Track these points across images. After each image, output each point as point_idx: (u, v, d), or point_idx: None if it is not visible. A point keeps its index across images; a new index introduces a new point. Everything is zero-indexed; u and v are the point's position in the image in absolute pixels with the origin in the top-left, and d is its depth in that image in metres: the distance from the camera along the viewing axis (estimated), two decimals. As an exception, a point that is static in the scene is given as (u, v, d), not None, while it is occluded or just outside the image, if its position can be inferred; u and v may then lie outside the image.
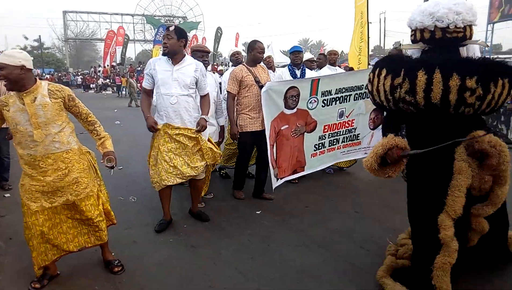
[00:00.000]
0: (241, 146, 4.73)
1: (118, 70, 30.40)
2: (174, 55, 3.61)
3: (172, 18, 47.99)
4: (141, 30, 47.14)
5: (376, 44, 46.17)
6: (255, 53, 4.53)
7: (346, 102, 5.14)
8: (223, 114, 4.88)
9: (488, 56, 13.36)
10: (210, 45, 47.59)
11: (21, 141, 2.67)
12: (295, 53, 5.40)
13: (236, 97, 4.55)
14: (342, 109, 5.18)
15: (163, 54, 3.65)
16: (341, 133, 5.34)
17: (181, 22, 48.35)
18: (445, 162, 2.48)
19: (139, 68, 28.67)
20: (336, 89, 4.98)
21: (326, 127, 5.14)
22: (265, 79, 4.59)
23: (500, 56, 20.05)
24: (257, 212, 4.41)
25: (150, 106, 3.81)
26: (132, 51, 54.72)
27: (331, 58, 6.00)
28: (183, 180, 3.76)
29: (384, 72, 2.54)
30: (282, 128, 4.68)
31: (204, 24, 46.44)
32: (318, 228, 3.95)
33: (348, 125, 5.37)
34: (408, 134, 2.72)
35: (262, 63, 4.79)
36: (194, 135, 3.65)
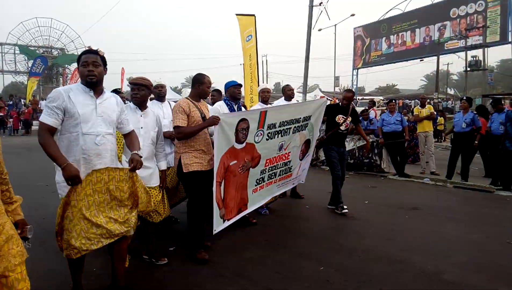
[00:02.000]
0: (189, 189, 4.05)
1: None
2: (97, 86, 2.93)
3: (50, 50, 44.84)
4: (11, 60, 42.94)
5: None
6: (203, 88, 4.08)
7: (287, 134, 5.00)
8: (165, 157, 4.08)
9: (355, 96, 14.87)
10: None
11: None
12: (236, 86, 4.95)
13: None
14: (282, 142, 4.99)
15: (88, 85, 2.90)
16: (278, 166, 5.16)
17: (59, 54, 45.41)
18: None
19: (10, 102, 25.88)
20: (280, 122, 4.77)
21: (268, 161, 4.85)
22: (208, 115, 4.10)
23: (364, 97, 22.85)
24: (170, 249, 4.28)
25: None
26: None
27: (264, 96, 5.84)
28: (111, 240, 2.89)
29: None
30: (230, 164, 4.21)
31: (86, 57, 44.14)
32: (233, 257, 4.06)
33: (285, 158, 5.22)
34: None
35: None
36: (127, 176, 2.90)
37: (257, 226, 5.12)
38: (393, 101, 10.45)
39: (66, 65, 44.85)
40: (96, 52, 2.91)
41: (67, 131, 2.84)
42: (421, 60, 37.53)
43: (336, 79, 41.74)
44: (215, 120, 3.82)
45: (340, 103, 6.24)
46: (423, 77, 71.15)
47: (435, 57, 34.00)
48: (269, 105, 5.69)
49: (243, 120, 4.20)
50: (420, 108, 10.01)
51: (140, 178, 3.05)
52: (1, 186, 2.21)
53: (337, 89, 41.37)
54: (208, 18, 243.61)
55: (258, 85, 9.03)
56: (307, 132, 5.41)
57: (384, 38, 38.86)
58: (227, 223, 4.31)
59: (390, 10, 38.32)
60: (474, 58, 30.42)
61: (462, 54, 31.14)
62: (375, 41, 39.75)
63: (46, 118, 2.76)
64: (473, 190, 7.81)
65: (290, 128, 5.00)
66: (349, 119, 6.02)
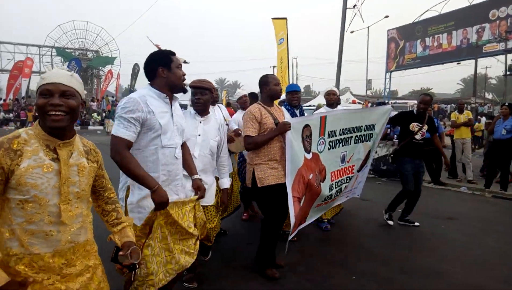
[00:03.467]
0: (265, 205, 3.70)
1: (23, 103, 28.31)
2: (174, 91, 2.59)
3: (85, 52, 46.28)
4: (48, 62, 44.60)
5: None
6: (271, 87, 3.73)
7: (348, 144, 4.43)
8: (228, 173, 3.67)
9: (387, 101, 14.78)
10: (126, 81, 46.75)
11: (32, 219, 1.59)
12: (292, 93, 4.79)
13: None
14: (344, 153, 4.43)
15: (176, 91, 2.59)
16: (343, 181, 4.53)
17: (95, 56, 46.82)
18: None
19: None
20: (340, 130, 4.27)
21: (332, 174, 4.31)
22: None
23: (397, 101, 22.39)
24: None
25: None
26: (35, 84, 51.43)
27: (329, 99, 5.30)
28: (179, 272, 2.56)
29: None
30: (310, 177, 3.76)
31: (120, 59, 45.44)
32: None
33: (349, 172, 4.59)
34: None
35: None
36: (192, 206, 2.58)
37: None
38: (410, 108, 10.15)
39: (100, 67, 46.22)
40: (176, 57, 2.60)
41: (142, 146, 2.44)
42: (458, 63, 36.36)
43: (368, 82, 41.07)
44: (286, 126, 3.52)
45: (414, 110, 5.68)
46: (460, 81, 69.13)
47: (473, 60, 32.89)
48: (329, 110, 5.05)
49: (306, 126, 3.80)
50: (457, 113, 9.68)
51: (201, 207, 2.72)
52: (106, 206, 1.97)
53: (369, 92, 40.73)
54: (237, 21, 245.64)
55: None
56: (371, 143, 4.76)
57: (419, 41, 37.91)
58: (290, 237, 3.85)
59: (426, 11, 37.40)
60: (515, 62, 29.19)
61: (502, 57, 29.97)
62: (410, 43, 38.83)
63: (124, 132, 2.32)
64: (514, 200, 7.48)
65: (351, 137, 4.47)
66: (425, 127, 5.42)
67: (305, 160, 3.72)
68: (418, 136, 5.38)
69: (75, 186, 1.69)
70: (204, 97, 3.35)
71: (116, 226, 1.95)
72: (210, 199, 3.44)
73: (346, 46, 14.99)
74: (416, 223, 5.48)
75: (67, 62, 35.86)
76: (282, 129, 3.53)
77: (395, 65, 40.59)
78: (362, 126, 4.56)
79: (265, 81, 3.77)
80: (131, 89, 31.58)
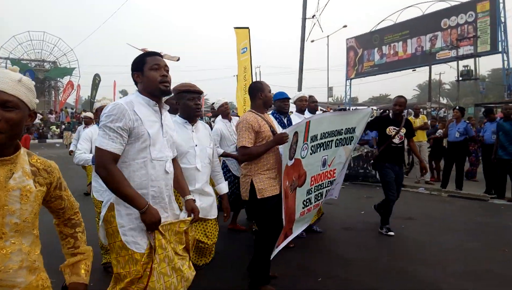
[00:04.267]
0: (262, 219, 3.48)
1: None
2: (154, 95, 2.28)
3: (42, 63, 44.75)
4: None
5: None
6: (266, 94, 3.57)
7: (329, 148, 4.32)
8: (223, 178, 3.63)
9: (348, 107, 15.18)
10: (87, 92, 45.39)
11: None
12: (284, 100, 4.67)
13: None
14: (325, 157, 4.31)
15: (159, 94, 2.25)
16: (324, 186, 4.42)
17: (52, 68, 45.36)
18: None
19: None
20: (321, 134, 4.12)
21: (313, 179, 4.21)
22: (276, 128, 3.65)
23: (357, 107, 23.02)
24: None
25: None
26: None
27: (301, 105, 5.26)
28: None
29: None
30: (286, 185, 3.59)
31: (79, 70, 44.25)
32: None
33: (330, 176, 4.48)
34: None
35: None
36: (185, 228, 2.30)
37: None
38: (387, 111, 10.53)
39: (59, 78, 44.84)
40: (161, 56, 2.34)
41: (129, 158, 2.15)
42: (413, 70, 37.93)
43: (330, 89, 41.98)
44: (284, 139, 3.30)
45: (390, 113, 5.51)
46: (416, 87, 71.85)
47: (427, 67, 34.42)
48: (310, 115, 4.89)
49: (295, 134, 3.63)
50: (413, 118, 10.10)
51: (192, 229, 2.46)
52: (65, 229, 1.67)
53: (330, 100, 41.61)
54: (200, 30, 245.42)
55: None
56: (352, 147, 4.62)
57: (376, 49, 39.31)
58: (277, 250, 3.64)
59: (382, 21, 38.87)
60: (466, 68, 30.81)
61: (454, 64, 31.55)
62: (368, 51, 40.18)
63: (110, 143, 2.05)
64: (468, 199, 7.87)
65: (332, 140, 4.34)
66: (403, 130, 5.29)
67: (285, 168, 3.51)
68: (396, 140, 5.26)
69: (14, 216, 1.32)
70: (200, 101, 3.21)
71: (70, 257, 1.64)
72: (214, 211, 3.35)
73: (308, 55, 15.36)
74: (391, 233, 5.26)
75: (23, 74, 34.48)
76: (279, 141, 3.33)
77: (355, 73, 41.84)
78: (342, 129, 4.43)
79: (259, 88, 3.59)
80: (91, 100, 30.76)
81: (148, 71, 2.21)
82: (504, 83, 29.10)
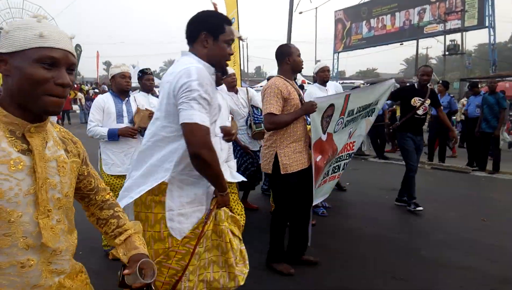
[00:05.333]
0: (282, 195, 3.28)
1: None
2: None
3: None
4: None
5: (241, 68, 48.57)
6: (295, 58, 3.27)
7: (356, 121, 4.10)
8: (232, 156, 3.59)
9: (335, 81, 14.95)
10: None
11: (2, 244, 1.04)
12: (324, 69, 4.84)
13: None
14: (351, 129, 4.07)
15: (222, 71, 2.07)
16: (342, 158, 4.17)
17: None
18: None
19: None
20: (358, 108, 3.92)
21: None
22: (303, 97, 3.40)
23: (345, 81, 23.03)
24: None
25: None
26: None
27: (325, 76, 5.13)
28: None
29: None
30: (317, 159, 3.36)
31: (60, 40, 43.00)
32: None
33: (349, 148, 4.24)
34: None
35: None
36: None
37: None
38: (413, 81, 10.45)
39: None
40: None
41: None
42: (401, 44, 37.82)
43: (317, 63, 41.80)
44: (313, 107, 3.13)
45: (415, 84, 5.37)
46: (403, 61, 71.90)
47: (415, 41, 34.40)
48: (352, 89, 4.66)
49: (331, 105, 3.40)
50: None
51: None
52: (102, 213, 1.40)
53: (318, 73, 41.45)
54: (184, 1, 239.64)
55: (240, 69, 8.94)
56: (373, 118, 4.44)
57: (364, 22, 38.97)
58: (310, 231, 3.55)
59: (371, -7, 38.38)
60: (453, 42, 30.89)
61: (441, 38, 31.58)
62: (356, 24, 39.82)
63: (205, 117, 1.77)
64: (450, 171, 8.06)
65: (361, 114, 4.11)
66: (428, 101, 5.15)
67: (317, 141, 3.33)
68: (420, 111, 5.14)
69: (56, 190, 1.14)
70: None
71: (118, 237, 1.37)
72: (239, 176, 3.18)
73: (296, 27, 15.18)
74: (419, 208, 5.09)
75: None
76: (308, 109, 3.14)
77: (343, 46, 41.54)
78: (372, 102, 4.23)
79: (287, 52, 3.26)
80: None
81: (223, 42, 1.96)
82: (489, 58, 29.31)
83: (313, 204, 3.59)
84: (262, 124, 4.27)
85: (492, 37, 28.79)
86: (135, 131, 3.52)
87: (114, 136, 3.47)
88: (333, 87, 5.37)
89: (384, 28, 37.25)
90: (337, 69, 42.78)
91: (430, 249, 3.91)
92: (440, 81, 9.47)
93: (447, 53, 30.80)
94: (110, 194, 1.46)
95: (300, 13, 27.95)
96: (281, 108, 3.07)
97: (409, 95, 5.20)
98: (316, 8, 35.07)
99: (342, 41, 41.41)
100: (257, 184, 5.09)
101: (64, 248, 1.18)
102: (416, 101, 5.14)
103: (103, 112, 3.57)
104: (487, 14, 29.12)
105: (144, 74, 4.06)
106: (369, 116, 4.33)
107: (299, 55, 3.30)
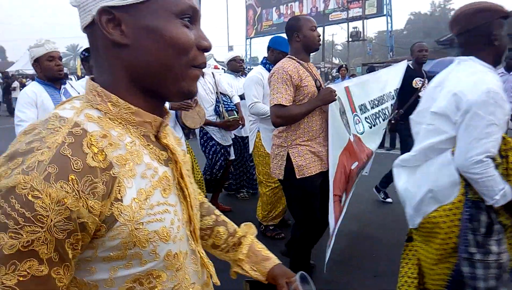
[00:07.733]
0: (301, 206, 2.59)
1: None
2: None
3: None
4: None
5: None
6: (307, 33, 2.57)
7: (387, 117, 3.53)
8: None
9: (249, 67, 15.02)
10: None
11: None
12: (235, 58, 4.84)
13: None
14: (382, 127, 3.53)
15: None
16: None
17: None
18: None
19: None
20: (369, 102, 3.29)
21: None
22: (322, 81, 2.72)
23: (253, 67, 23.45)
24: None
25: None
26: None
27: (239, 66, 4.90)
28: None
29: None
30: (352, 167, 2.73)
31: None
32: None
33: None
34: None
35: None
36: None
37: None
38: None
39: None
40: None
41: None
42: (309, 31, 39.35)
43: (230, 48, 41.86)
44: (332, 94, 2.45)
45: (410, 63, 4.63)
46: (311, 47, 75.10)
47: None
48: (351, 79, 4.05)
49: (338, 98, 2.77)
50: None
51: None
52: (205, 221, 1.05)
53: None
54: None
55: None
56: (387, 120, 3.81)
57: (274, 8, 39.74)
58: (330, 246, 2.69)
59: (279, -20, 39.17)
60: (355, 29, 32.86)
61: (345, 25, 33.41)
62: (266, 11, 40.47)
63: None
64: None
65: (387, 107, 3.53)
66: (426, 81, 4.45)
67: (348, 143, 2.69)
68: (422, 93, 4.33)
69: (195, 203, 0.84)
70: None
71: (237, 248, 1.04)
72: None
73: (208, 13, 14.95)
74: (389, 199, 4.80)
75: None
76: (327, 98, 2.45)
77: (254, 32, 42.04)
78: (391, 92, 3.71)
79: (295, 26, 2.59)
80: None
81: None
82: (387, 44, 31.73)
83: (341, 219, 2.81)
84: (235, 112, 4.16)
85: (389, 25, 31.11)
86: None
87: None
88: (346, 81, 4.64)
89: (293, 15, 38.35)
90: (250, 54, 43.24)
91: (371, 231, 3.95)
92: (344, 65, 10.28)
93: (350, 39, 32.69)
94: (202, 195, 1.09)
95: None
96: (291, 98, 2.43)
97: (408, 77, 4.42)
98: (227, -7, 34.88)
99: (254, 27, 41.87)
100: (226, 184, 4.88)
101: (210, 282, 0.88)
102: (417, 82, 4.52)
103: (37, 108, 2.78)
104: (385, 3, 31.31)
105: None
106: (385, 119, 3.62)
107: (312, 29, 2.59)
